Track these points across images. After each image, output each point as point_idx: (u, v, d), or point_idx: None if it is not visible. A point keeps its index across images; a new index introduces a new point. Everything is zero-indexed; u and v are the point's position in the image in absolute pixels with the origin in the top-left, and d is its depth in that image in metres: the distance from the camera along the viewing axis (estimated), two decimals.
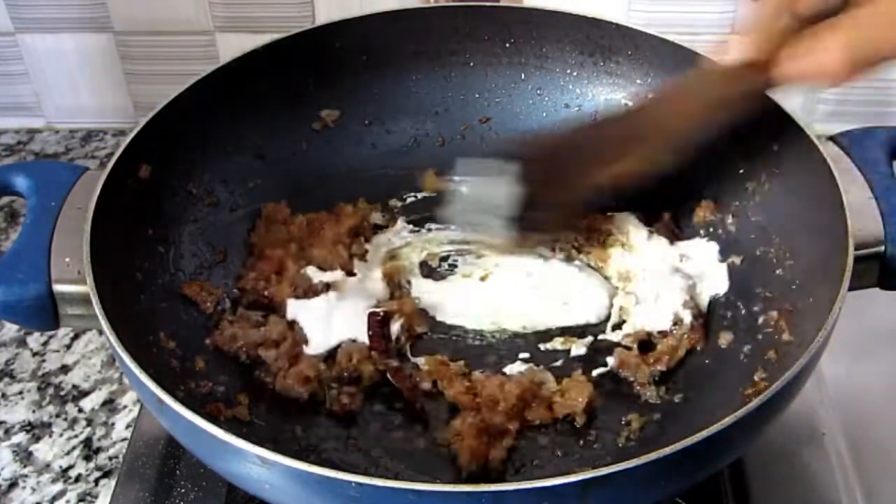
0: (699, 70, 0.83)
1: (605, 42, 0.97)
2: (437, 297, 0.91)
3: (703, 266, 0.89)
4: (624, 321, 0.87)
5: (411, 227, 0.98)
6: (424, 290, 0.91)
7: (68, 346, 1.01)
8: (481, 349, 0.87)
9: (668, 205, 0.94)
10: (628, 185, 0.84)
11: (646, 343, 0.85)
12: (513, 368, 0.84)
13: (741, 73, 0.76)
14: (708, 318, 0.86)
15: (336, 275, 0.89)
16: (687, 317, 0.84)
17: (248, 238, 0.93)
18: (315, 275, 0.89)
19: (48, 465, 0.89)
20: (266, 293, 0.88)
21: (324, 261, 0.91)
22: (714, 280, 0.88)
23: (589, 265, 0.92)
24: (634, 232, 0.92)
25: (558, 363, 0.85)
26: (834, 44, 0.69)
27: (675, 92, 0.85)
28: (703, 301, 0.87)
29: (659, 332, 0.85)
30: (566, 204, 0.86)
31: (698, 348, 0.83)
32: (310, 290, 0.89)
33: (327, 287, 0.88)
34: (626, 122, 0.87)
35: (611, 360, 0.84)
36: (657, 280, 0.88)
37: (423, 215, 0.99)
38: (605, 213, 0.94)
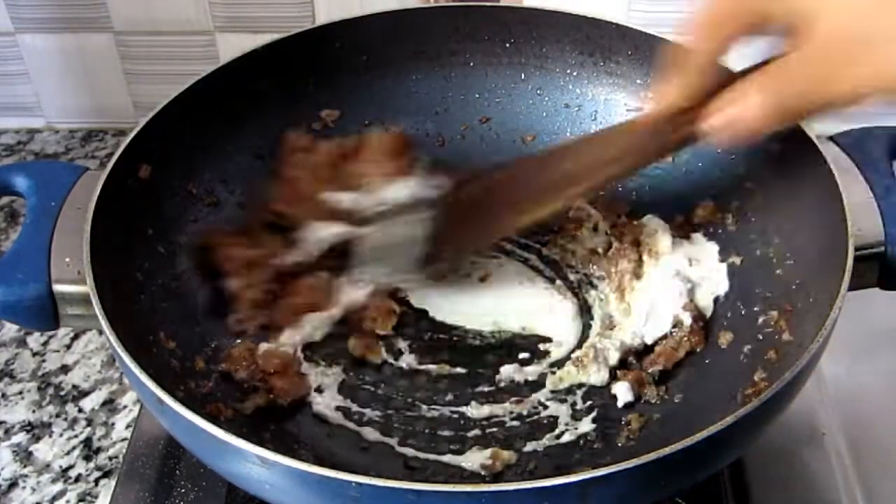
0: (626, 121, 0.81)
1: (605, 42, 0.97)
2: (437, 297, 0.91)
3: (704, 267, 0.89)
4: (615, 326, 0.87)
5: None
6: (424, 290, 0.91)
7: (68, 346, 1.01)
8: (481, 349, 0.87)
9: (669, 205, 0.94)
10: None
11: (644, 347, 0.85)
12: (512, 369, 0.85)
13: (667, 123, 0.73)
14: (708, 318, 0.86)
15: (361, 199, 0.91)
16: (687, 319, 0.84)
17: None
18: (338, 198, 0.91)
19: (48, 465, 0.89)
20: (288, 216, 0.90)
21: (367, 175, 0.92)
22: (714, 281, 0.87)
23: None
24: (662, 239, 0.91)
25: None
26: (755, 92, 0.65)
27: (599, 139, 0.84)
28: (704, 303, 0.87)
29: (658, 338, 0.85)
30: (475, 241, 0.88)
31: (698, 350, 0.84)
32: (332, 216, 0.90)
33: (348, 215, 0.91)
34: (546, 165, 0.84)
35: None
36: (657, 285, 0.87)
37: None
38: (634, 218, 0.93)
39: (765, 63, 0.66)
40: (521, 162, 0.91)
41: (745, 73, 0.68)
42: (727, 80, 0.68)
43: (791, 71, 0.63)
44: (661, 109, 0.72)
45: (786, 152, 0.85)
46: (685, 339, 0.83)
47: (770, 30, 0.65)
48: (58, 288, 0.75)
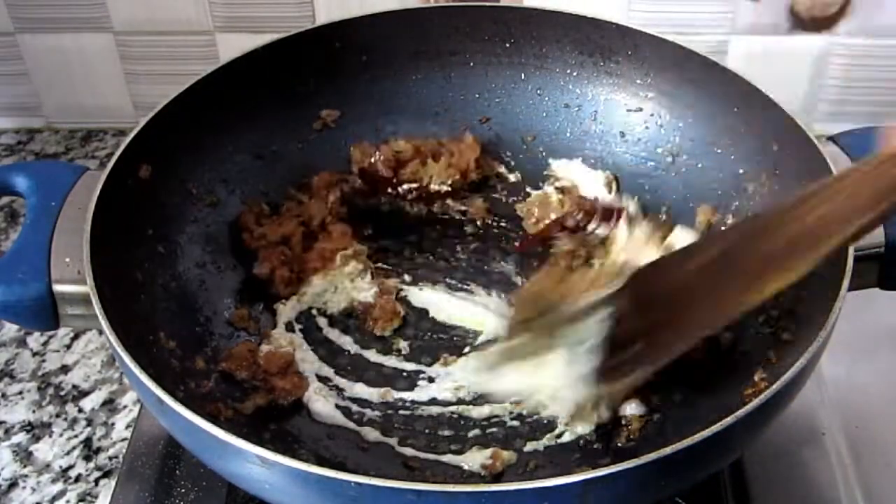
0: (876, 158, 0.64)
1: (604, 42, 0.97)
2: (437, 298, 0.91)
3: None
4: None
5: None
6: (425, 291, 0.92)
7: (68, 346, 1.01)
8: (482, 348, 0.87)
9: (670, 206, 0.94)
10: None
11: None
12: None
13: None
14: None
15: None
16: None
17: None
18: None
19: (48, 465, 0.89)
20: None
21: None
22: None
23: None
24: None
25: None
26: None
27: (840, 183, 0.67)
28: None
29: None
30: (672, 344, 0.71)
31: (696, 356, 0.82)
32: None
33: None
34: (777, 225, 0.68)
35: None
36: None
37: None
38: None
39: None
40: (739, 228, 0.77)
41: None
42: None
43: None
44: None
45: (786, 152, 0.85)
46: None
47: None
48: (58, 288, 0.75)
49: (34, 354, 1.00)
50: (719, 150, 0.92)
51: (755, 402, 0.63)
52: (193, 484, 0.82)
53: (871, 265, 0.78)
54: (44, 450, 0.91)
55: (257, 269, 0.90)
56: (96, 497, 0.87)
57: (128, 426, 0.92)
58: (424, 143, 0.97)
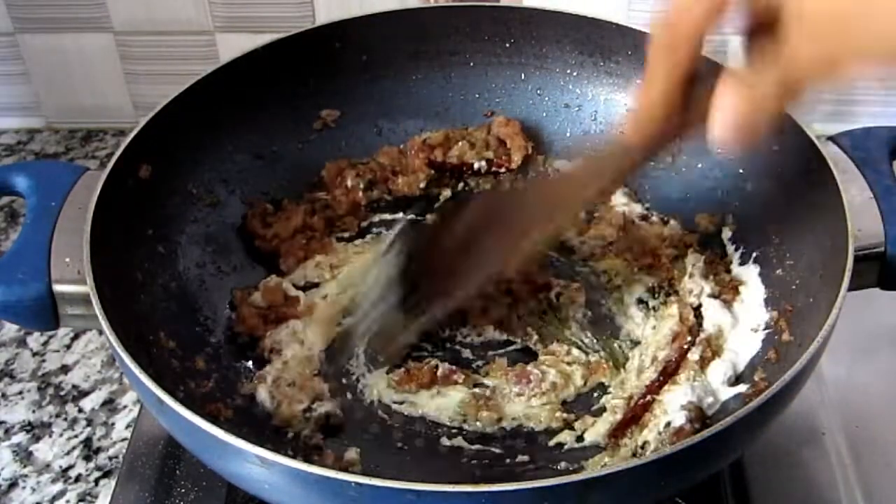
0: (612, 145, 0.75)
1: (605, 42, 0.97)
2: None
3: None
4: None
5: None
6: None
7: (68, 346, 1.01)
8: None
9: (670, 207, 0.94)
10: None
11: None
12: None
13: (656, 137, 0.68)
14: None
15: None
16: (679, 419, 0.75)
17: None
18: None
19: (48, 465, 0.89)
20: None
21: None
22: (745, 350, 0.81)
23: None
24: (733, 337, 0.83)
25: None
26: (759, 83, 0.59)
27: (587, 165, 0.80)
28: (710, 408, 0.78)
29: None
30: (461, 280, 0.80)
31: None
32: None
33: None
34: (537, 190, 0.89)
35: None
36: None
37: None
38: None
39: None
40: (512, 191, 0.93)
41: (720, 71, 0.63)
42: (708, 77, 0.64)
43: (793, 55, 0.57)
44: (647, 122, 0.67)
45: (786, 152, 0.85)
46: (667, 437, 0.75)
47: (750, 14, 0.60)
48: (58, 288, 0.75)
49: (34, 354, 1.00)
50: (719, 150, 0.92)
51: (755, 402, 0.63)
52: (193, 484, 0.82)
53: (871, 265, 0.78)
54: (44, 450, 0.91)
55: (283, 265, 0.91)
56: (96, 497, 0.87)
57: (128, 426, 0.92)
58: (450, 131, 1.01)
